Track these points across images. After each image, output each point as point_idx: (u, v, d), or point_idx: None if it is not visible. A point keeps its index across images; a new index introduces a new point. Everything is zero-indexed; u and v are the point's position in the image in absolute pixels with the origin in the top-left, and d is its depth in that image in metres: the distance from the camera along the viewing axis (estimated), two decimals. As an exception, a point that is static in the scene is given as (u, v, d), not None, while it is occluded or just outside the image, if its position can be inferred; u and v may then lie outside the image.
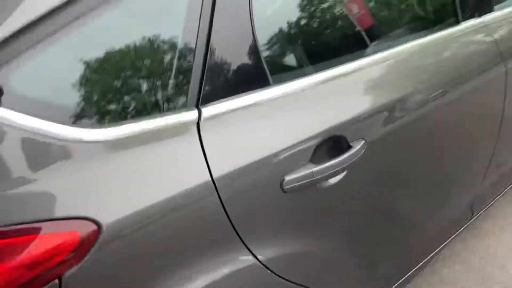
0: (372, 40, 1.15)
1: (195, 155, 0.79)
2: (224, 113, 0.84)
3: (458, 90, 1.29)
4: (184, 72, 0.83)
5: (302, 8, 1.04)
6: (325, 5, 1.09)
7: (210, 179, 0.79)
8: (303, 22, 1.04)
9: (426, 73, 1.20)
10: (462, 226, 1.67)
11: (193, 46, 0.83)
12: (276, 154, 0.87)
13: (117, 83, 0.78)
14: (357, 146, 0.98)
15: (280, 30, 0.99)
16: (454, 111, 1.31)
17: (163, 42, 0.82)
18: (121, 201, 0.71)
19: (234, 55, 0.88)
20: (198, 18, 0.83)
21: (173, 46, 0.82)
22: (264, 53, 0.92)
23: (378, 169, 1.08)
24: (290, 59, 1.02)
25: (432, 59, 1.25)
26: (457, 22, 1.35)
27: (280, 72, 0.96)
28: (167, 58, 0.82)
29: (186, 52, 0.83)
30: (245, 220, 0.85)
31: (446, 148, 1.36)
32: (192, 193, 0.77)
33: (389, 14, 1.30)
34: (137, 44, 0.80)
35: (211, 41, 0.84)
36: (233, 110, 0.85)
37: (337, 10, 1.13)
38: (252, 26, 0.89)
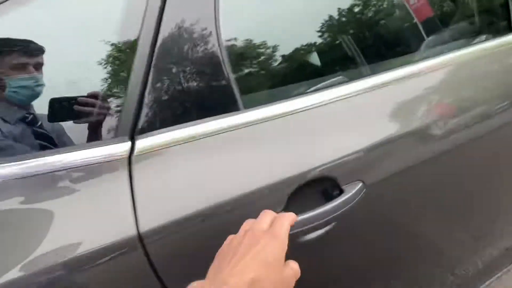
0: (380, 53, 0.90)
1: (119, 199, 0.61)
2: (167, 146, 0.65)
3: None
4: (115, 91, 0.64)
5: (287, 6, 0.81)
6: (315, 6, 0.84)
7: (135, 232, 0.61)
8: (290, 24, 0.81)
9: (460, 92, 0.93)
10: (501, 270, 1.39)
11: (130, 52, 0.64)
12: (234, 201, 0.67)
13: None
14: (351, 191, 0.75)
15: (256, 36, 0.77)
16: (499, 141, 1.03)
17: (87, 47, 0.64)
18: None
19: (190, 68, 0.67)
20: (141, 18, 0.64)
21: (102, 52, 0.64)
22: (233, 67, 0.71)
23: (381, 219, 0.85)
24: (272, 75, 0.79)
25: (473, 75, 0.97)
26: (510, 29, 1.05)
27: (256, 92, 0.74)
28: (93, 69, 0.64)
29: (120, 62, 0.64)
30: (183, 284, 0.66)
31: (486, 182, 1.09)
32: (109, 250, 0.59)
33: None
34: (58, 53, 0.62)
35: (156, 47, 0.65)
36: (182, 142, 0.66)
37: (335, 13, 0.88)
38: (217, 30, 0.68)
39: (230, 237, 0.52)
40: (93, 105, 0.62)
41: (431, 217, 0.97)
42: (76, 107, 0.62)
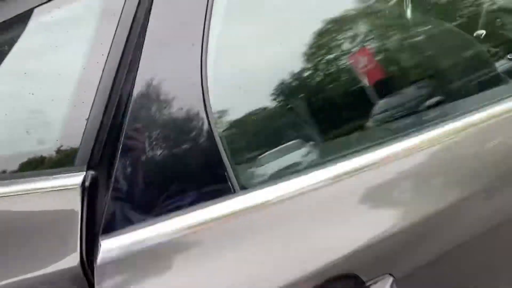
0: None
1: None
2: (139, 250, 0.52)
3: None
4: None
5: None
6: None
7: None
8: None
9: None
10: None
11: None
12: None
13: None
14: (379, 288, 0.59)
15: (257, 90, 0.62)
16: None
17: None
18: None
19: (162, 139, 0.54)
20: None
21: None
22: (223, 133, 0.57)
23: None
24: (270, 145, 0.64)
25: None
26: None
27: (253, 167, 0.60)
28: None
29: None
30: None
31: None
32: None
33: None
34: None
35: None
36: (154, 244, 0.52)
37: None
38: (202, 84, 0.55)
39: None
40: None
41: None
42: None
